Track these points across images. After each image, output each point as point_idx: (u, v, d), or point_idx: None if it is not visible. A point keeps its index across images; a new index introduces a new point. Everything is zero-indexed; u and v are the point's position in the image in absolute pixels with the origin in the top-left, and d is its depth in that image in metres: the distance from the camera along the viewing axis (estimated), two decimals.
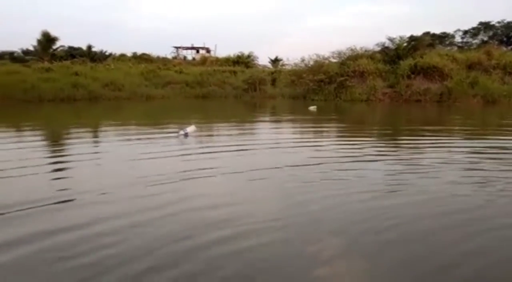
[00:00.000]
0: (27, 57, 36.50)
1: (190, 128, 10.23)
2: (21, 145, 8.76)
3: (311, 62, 29.86)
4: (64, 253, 3.09)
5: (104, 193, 4.72)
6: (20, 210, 4.03)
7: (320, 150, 8.36)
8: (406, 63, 25.92)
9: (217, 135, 11.41)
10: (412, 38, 29.34)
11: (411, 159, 7.28)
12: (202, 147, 8.65)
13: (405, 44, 28.09)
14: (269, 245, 3.31)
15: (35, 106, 21.18)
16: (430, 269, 2.89)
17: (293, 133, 12.13)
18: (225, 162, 6.84)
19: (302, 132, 12.37)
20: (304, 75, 28.30)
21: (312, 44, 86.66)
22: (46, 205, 4.22)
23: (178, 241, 3.33)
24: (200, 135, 10.18)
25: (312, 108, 19.69)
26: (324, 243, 3.41)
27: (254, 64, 41.56)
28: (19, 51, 40.06)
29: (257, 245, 3.28)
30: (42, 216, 3.96)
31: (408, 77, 25.63)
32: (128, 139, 9.74)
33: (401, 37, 28.27)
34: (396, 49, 27.88)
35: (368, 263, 3.04)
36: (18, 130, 12.02)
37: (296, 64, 31.99)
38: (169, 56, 47.84)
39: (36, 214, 3.99)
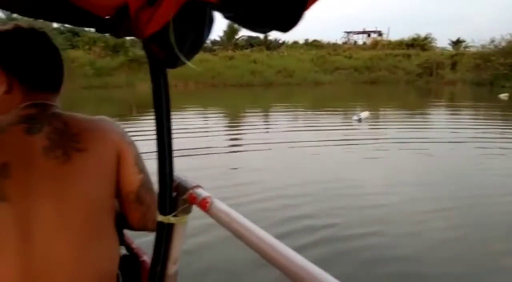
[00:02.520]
0: (214, 47, 41.42)
1: (364, 114, 10.84)
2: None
3: (503, 43, 25.99)
4: None
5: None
6: None
7: None
8: None
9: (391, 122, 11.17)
10: None
11: None
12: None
13: None
14: None
15: (221, 91, 24.13)
16: None
17: (485, 126, 10.54)
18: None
19: (495, 125, 10.80)
20: (493, 58, 24.86)
21: (506, 22, 74.47)
22: None
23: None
24: (374, 122, 10.19)
25: (503, 96, 17.25)
26: None
27: (431, 46, 38.23)
28: (208, 41, 45.73)
29: None
30: None
31: None
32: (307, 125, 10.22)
33: None
34: None
35: None
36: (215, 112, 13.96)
37: (483, 46, 28.35)
38: (339, 42, 47.85)
39: None
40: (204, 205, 0.95)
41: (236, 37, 39.18)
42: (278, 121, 11.59)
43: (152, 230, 1.13)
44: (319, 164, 6.22)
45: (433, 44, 38.68)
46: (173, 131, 1.04)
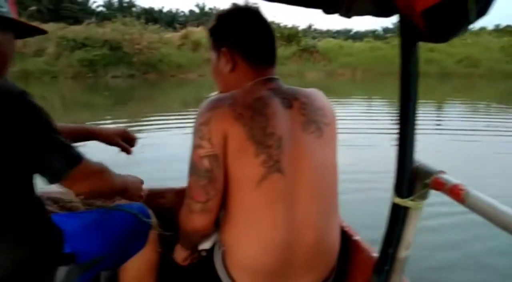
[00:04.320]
0: (387, 35, 39.52)
1: None
2: None
3: None
4: None
5: None
6: None
7: None
8: None
9: None
10: None
11: None
12: None
13: None
14: None
15: (390, 80, 22.96)
16: None
17: None
18: None
19: None
20: None
21: None
22: None
23: None
24: None
25: None
26: None
27: None
28: (380, 29, 43.83)
29: None
30: None
31: None
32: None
33: None
34: None
35: None
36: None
37: None
38: None
39: None
40: (457, 192, 0.86)
41: None
42: (452, 117, 10.40)
43: None
44: None
45: None
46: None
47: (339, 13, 1.01)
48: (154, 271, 1.34)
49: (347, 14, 0.98)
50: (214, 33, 1.17)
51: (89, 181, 1.04)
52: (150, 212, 1.34)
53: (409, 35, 0.94)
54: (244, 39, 1.12)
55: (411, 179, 1.01)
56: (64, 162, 0.97)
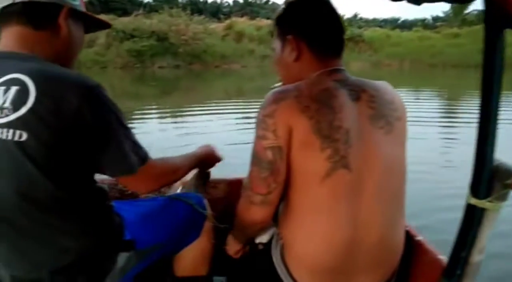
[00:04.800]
0: (437, 23, 37.86)
1: None
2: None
3: None
4: None
5: None
6: None
7: None
8: None
9: None
10: None
11: None
12: None
13: None
14: None
15: (440, 71, 22.02)
16: None
17: None
18: None
19: None
20: None
21: None
22: None
23: None
24: None
25: None
26: None
27: None
28: (430, 18, 42.06)
29: None
30: None
31: None
32: None
33: None
34: None
35: None
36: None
37: None
38: None
39: None
40: None
41: (466, 11, 34.62)
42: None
43: None
44: None
45: None
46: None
47: (407, 0, 0.94)
48: (208, 261, 1.35)
49: (417, 1, 0.91)
50: (281, 21, 1.14)
51: (153, 180, 1.05)
52: (206, 202, 1.35)
53: (495, 22, 0.86)
54: (312, 27, 1.08)
55: (490, 179, 0.95)
56: (132, 160, 0.97)
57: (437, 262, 1.12)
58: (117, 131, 0.95)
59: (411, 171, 1.10)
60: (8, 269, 0.97)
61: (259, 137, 0.99)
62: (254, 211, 1.04)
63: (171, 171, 1.13)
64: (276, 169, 0.98)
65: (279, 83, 1.22)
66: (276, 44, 1.15)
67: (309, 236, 1.02)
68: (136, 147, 0.99)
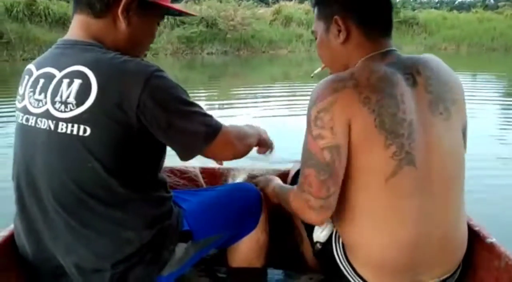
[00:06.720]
0: (499, 4, 35.28)
1: None
2: None
3: None
4: None
5: None
6: None
7: None
8: None
9: None
10: None
11: None
12: None
13: None
14: None
15: (499, 55, 20.57)
16: None
17: None
18: None
19: None
20: None
21: None
22: None
23: None
24: None
25: None
26: None
27: None
28: None
29: None
30: None
31: None
32: None
33: None
34: None
35: None
36: None
37: None
38: None
39: None
40: None
41: None
42: None
43: None
44: None
45: None
46: None
47: None
48: (264, 253, 1.34)
49: None
50: (323, 0, 1.06)
51: (230, 146, 1.07)
52: (261, 194, 1.34)
53: None
54: (360, 4, 0.99)
55: None
56: (206, 131, 0.98)
57: (501, 257, 1.07)
58: (182, 111, 0.96)
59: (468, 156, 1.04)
60: (72, 258, 1.00)
61: (314, 137, 0.93)
62: (313, 215, 0.98)
63: (244, 135, 1.15)
64: (335, 171, 0.92)
65: (318, 69, 1.17)
66: (319, 26, 1.07)
67: (374, 235, 0.99)
68: (206, 118, 1.00)
